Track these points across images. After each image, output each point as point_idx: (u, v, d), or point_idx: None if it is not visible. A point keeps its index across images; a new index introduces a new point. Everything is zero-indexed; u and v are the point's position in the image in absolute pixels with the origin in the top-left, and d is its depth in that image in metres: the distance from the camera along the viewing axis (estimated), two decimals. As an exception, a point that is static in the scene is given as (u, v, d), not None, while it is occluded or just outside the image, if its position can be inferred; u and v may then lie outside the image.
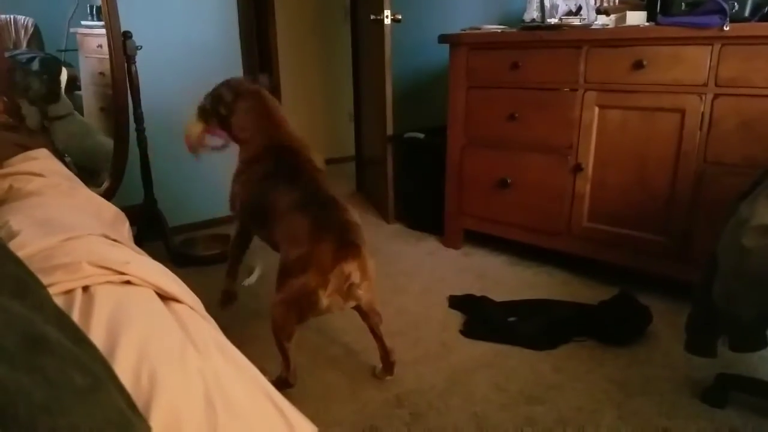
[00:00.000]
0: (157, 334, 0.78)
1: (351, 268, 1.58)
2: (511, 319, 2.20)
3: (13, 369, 0.42)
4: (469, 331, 2.13)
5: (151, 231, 3.04)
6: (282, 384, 1.73)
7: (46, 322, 0.51)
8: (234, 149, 2.11)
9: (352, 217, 1.71)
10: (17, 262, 0.56)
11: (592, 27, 2.37)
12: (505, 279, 2.60)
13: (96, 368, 0.53)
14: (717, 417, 1.62)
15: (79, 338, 0.57)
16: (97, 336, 0.76)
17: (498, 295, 2.37)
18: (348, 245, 1.60)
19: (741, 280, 1.40)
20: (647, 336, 2.05)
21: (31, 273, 0.57)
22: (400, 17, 3.20)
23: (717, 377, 1.70)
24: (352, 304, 1.69)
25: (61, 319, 0.56)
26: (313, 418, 1.66)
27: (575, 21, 2.40)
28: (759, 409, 1.63)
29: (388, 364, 1.86)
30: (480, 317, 2.20)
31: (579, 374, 1.85)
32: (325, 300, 1.59)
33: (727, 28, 1.95)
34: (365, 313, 1.80)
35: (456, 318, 2.24)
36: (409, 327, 2.18)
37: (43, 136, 1.81)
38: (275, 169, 1.87)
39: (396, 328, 2.12)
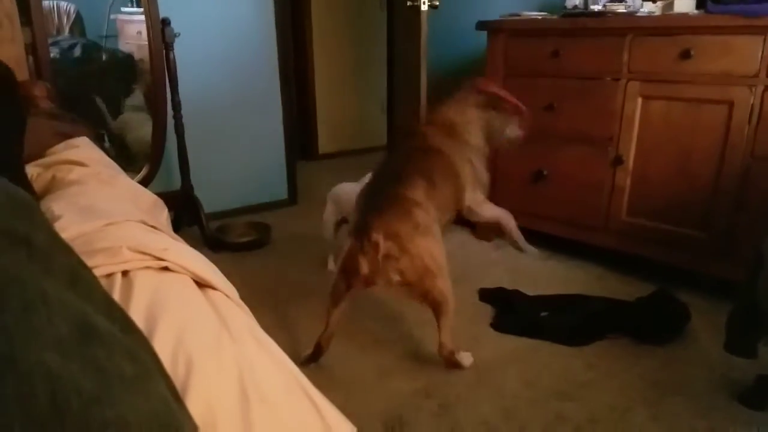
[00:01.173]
0: (194, 321, 0.79)
1: (379, 238, 1.61)
2: (543, 314, 2.16)
3: (67, 359, 0.43)
4: (500, 324, 2.11)
5: (188, 217, 3.10)
6: (315, 349, 1.83)
7: (96, 311, 0.52)
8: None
9: (407, 191, 1.73)
10: (70, 252, 0.57)
11: (638, 14, 2.30)
12: (537, 273, 2.56)
13: (144, 357, 0.53)
14: (756, 419, 1.57)
15: (128, 327, 0.58)
16: (136, 320, 0.77)
17: (530, 290, 2.34)
18: (380, 214, 1.64)
19: (788, 281, 1.35)
20: (685, 335, 2.00)
21: (83, 262, 0.58)
22: (437, 3, 3.15)
23: (757, 378, 1.65)
24: (396, 278, 1.67)
25: (111, 307, 0.57)
26: (341, 406, 1.67)
27: (620, 8, 2.33)
28: (801, 414, 1.58)
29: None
30: (511, 311, 2.18)
31: (612, 372, 1.82)
32: (364, 266, 1.64)
33: (781, 17, 1.87)
34: (419, 297, 1.74)
35: (486, 311, 2.22)
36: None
37: (84, 123, 1.84)
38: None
39: (427, 318, 2.10)
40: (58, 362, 0.42)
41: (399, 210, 1.68)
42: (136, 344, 0.56)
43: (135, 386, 0.47)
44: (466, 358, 1.85)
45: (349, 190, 2.50)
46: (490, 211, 2.11)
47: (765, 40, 1.93)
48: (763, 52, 1.94)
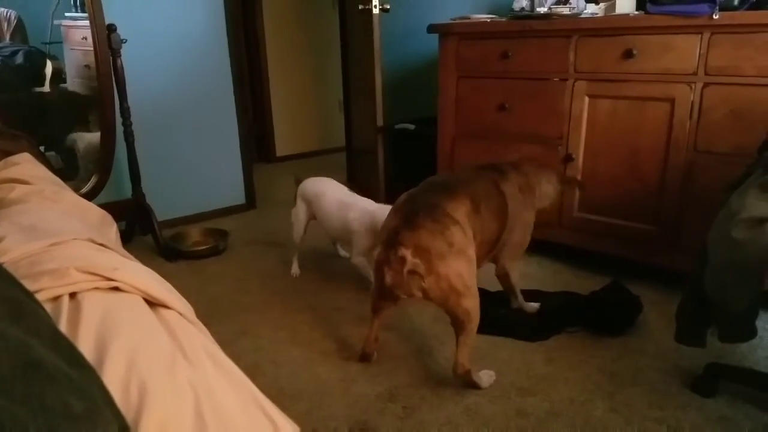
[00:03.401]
0: (147, 344, 0.78)
1: (407, 253, 1.55)
2: (503, 310, 2.20)
3: (10, 399, 0.41)
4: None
5: (141, 226, 3.03)
6: (362, 355, 1.90)
7: (42, 346, 0.50)
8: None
9: (450, 205, 1.66)
10: (13, 282, 0.55)
11: (582, 16, 2.36)
12: (494, 269, 2.59)
13: (92, 392, 0.52)
14: (707, 406, 1.64)
15: (76, 361, 0.56)
16: (85, 346, 0.75)
17: (488, 286, 2.37)
18: (414, 227, 1.58)
19: (731, 272, 1.41)
20: (638, 326, 2.07)
21: (28, 292, 0.56)
22: (388, 7, 3.17)
23: (707, 367, 1.71)
24: (418, 294, 1.63)
25: (57, 341, 0.55)
26: (306, 414, 1.68)
27: (565, 10, 2.39)
28: (748, 398, 1.65)
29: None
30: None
31: (571, 365, 1.86)
32: (388, 278, 1.60)
33: (717, 17, 1.95)
34: (446, 313, 1.69)
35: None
36: (401, 320, 2.18)
37: (27, 137, 1.77)
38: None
39: (388, 321, 2.12)
40: (0, 404, 0.40)
41: (435, 225, 1.59)
42: (85, 379, 0.54)
43: (83, 423, 0.46)
44: (486, 377, 1.76)
45: (320, 186, 2.47)
46: (515, 275, 2.11)
47: (702, 38, 2.01)
48: (700, 50, 2.02)
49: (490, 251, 1.92)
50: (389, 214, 1.73)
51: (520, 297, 2.17)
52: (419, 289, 1.61)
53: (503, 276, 2.09)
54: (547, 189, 2.07)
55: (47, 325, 0.57)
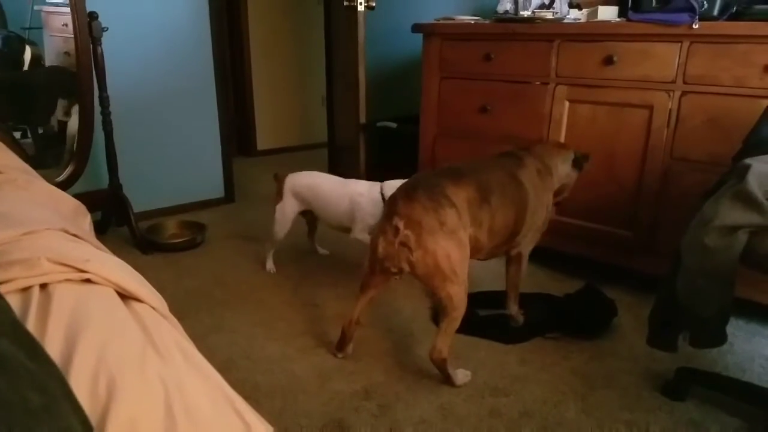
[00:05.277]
0: (117, 338, 0.76)
1: (400, 223, 1.59)
2: (481, 312, 2.20)
3: None
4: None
5: (117, 217, 2.98)
6: (341, 337, 1.90)
7: (1, 337, 0.49)
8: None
9: (451, 188, 1.68)
10: None
11: (564, 21, 2.38)
12: (473, 271, 2.59)
13: (51, 385, 0.51)
14: (677, 410, 1.66)
15: (35, 353, 0.55)
16: (54, 339, 0.74)
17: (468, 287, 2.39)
18: (410, 199, 1.62)
19: (703, 278, 1.43)
20: (612, 329, 2.10)
21: None
22: (374, 4, 3.17)
23: (677, 371, 1.74)
24: (405, 268, 1.65)
25: (17, 331, 0.54)
26: (280, 410, 1.67)
27: (548, 14, 2.40)
28: (717, 403, 1.68)
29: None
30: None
31: (544, 366, 1.88)
32: (380, 247, 1.64)
33: (696, 26, 1.98)
34: (432, 295, 1.73)
35: (425, 310, 2.26)
36: (378, 318, 2.18)
37: (-1, 126, 1.74)
38: None
39: (366, 320, 2.11)
40: None
41: (430, 201, 1.62)
42: (44, 372, 0.53)
43: (41, 418, 0.45)
44: (462, 375, 1.78)
45: (311, 177, 2.48)
46: (526, 262, 2.08)
47: (681, 47, 2.04)
48: (679, 58, 2.05)
49: (508, 239, 1.91)
50: (396, 189, 1.74)
51: (516, 302, 2.13)
52: (407, 261, 1.63)
53: (516, 259, 2.04)
54: (564, 169, 2.06)
55: (7, 316, 0.56)
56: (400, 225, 1.60)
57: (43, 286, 0.88)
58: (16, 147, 1.75)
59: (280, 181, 2.52)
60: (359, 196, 2.32)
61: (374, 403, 1.69)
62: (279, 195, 2.50)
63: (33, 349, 0.54)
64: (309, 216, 2.62)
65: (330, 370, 1.86)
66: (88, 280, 0.91)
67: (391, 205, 1.68)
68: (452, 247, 1.64)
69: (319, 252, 2.79)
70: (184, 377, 0.73)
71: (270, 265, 2.59)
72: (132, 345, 0.76)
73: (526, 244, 2.03)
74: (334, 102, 4.16)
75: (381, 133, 3.34)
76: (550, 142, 2.18)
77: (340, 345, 1.91)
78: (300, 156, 5.09)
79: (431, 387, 1.77)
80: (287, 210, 2.49)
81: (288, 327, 2.12)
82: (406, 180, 1.79)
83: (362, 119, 3.33)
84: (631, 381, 1.81)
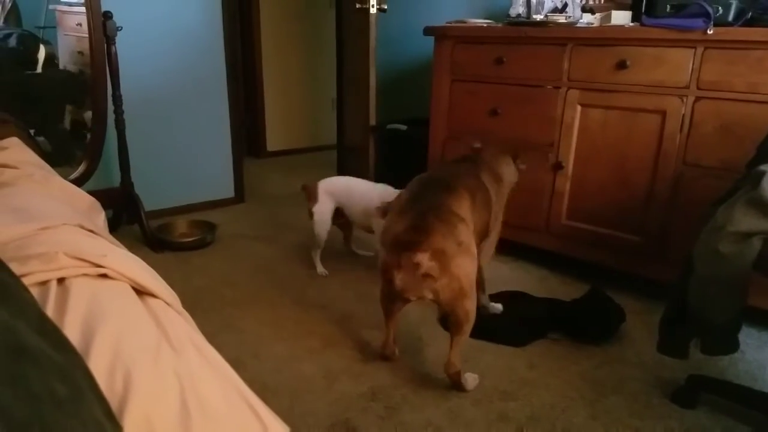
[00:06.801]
0: (133, 332, 0.77)
1: (424, 258, 1.55)
2: (489, 313, 2.20)
3: None
4: (447, 325, 2.13)
5: (128, 215, 3.00)
6: (381, 357, 1.90)
7: (28, 329, 0.50)
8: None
9: (454, 203, 1.66)
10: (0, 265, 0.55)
11: (577, 25, 2.38)
12: (483, 274, 2.61)
13: (77, 377, 0.51)
14: (687, 418, 1.65)
15: (61, 345, 0.55)
16: (71, 333, 0.75)
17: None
18: (429, 231, 1.57)
19: (715, 285, 1.42)
20: (621, 335, 2.08)
21: (14, 275, 0.55)
22: (386, 7, 3.17)
23: (688, 378, 1.73)
24: (429, 296, 1.63)
25: (44, 324, 0.55)
26: (287, 410, 1.67)
27: (560, 18, 2.40)
28: (728, 411, 1.67)
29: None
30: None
31: (553, 371, 1.88)
32: (398, 282, 1.59)
33: (711, 32, 1.97)
34: (446, 313, 1.70)
35: (433, 312, 2.25)
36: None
37: (15, 122, 1.75)
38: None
39: (373, 321, 2.12)
40: None
41: (445, 226, 1.59)
42: (70, 363, 0.54)
43: (67, 407, 0.45)
44: (471, 380, 1.77)
45: (344, 181, 2.59)
46: (485, 264, 2.08)
47: (695, 53, 2.03)
48: (693, 64, 2.04)
49: (479, 243, 1.92)
50: (393, 218, 1.70)
51: (486, 295, 2.19)
52: (431, 290, 1.61)
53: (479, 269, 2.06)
54: (509, 172, 2.09)
55: (33, 308, 0.56)
56: (424, 259, 1.55)
57: (61, 281, 0.89)
58: (32, 143, 1.76)
59: (310, 188, 2.57)
60: (390, 197, 2.34)
61: (381, 404, 1.69)
62: (313, 199, 2.55)
63: (58, 340, 0.55)
64: (343, 221, 2.65)
65: (337, 370, 1.86)
66: (104, 275, 0.92)
67: (401, 237, 1.60)
68: (468, 263, 1.64)
69: (359, 254, 2.82)
70: (198, 371, 0.74)
71: (321, 268, 2.60)
72: (147, 339, 0.76)
73: (487, 251, 2.06)
74: (344, 104, 4.17)
75: (390, 136, 3.34)
76: (491, 148, 2.14)
77: (385, 359, 1.91)
78: (309, 158, 5.10)
79: (439, 390, 1.76)
80: (324, 209, 2.54)
81: (296, 327, 2.12)
82: (399, 203, 1.74)
83: (372, 121, 3.33)
84: (641, 387, 1.80)
